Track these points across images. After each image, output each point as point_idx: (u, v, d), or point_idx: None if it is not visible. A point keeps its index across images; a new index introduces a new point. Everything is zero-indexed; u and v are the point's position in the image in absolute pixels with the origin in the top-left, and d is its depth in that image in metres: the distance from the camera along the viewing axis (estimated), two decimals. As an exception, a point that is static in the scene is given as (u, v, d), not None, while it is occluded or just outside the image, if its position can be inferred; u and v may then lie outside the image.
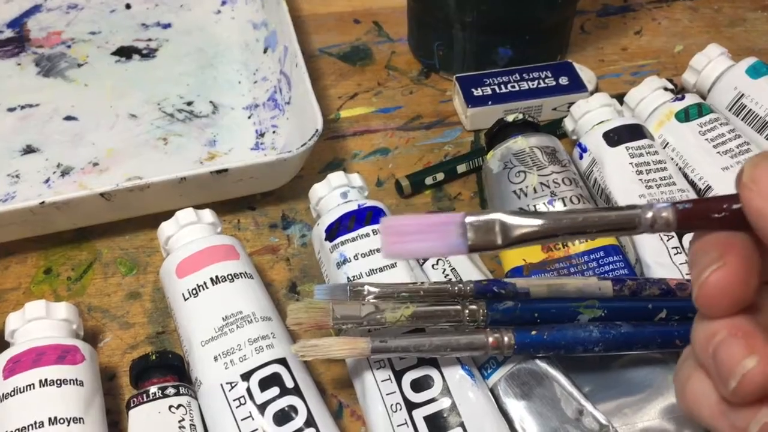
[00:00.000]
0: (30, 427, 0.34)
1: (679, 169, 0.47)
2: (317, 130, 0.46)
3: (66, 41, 0.61)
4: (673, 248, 0.42)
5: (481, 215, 0.29)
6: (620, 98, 0.51)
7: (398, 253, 0.30)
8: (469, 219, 0.29)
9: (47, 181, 0.50)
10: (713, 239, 0.26)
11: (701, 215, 0.27)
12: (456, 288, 0.38)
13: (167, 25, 0.63)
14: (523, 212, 0.30)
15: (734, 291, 0.25)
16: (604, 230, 0.28)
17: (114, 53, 0.60)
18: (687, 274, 0.41)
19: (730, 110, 0.50)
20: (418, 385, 0.37)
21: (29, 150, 0.52)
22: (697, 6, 0.65)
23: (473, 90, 0.54)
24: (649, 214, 0.27)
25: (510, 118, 0.47)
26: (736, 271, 0.25)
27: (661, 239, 0.42)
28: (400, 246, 0.30)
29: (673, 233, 0.42)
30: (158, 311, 0.44)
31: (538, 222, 0.29)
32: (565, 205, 0.43)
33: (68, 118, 0.55)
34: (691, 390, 0.27)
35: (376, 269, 0.40)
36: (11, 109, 0.55)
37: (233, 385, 0.36)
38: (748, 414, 0.25)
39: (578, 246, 0.42)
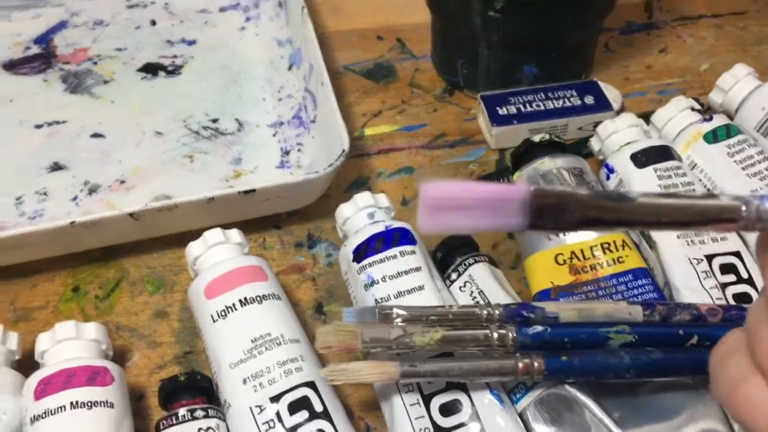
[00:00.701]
0: (61, 450, 0.34)
1: (708, 191, 0.46)
2: (344, 150, 0.46)
3: (92, 58, 0.62)
4: (702, 272, 0.41)
5: (552, 189, 0.25)
6: (646, 117, 0.51)
7: (439, 226, 0.25)
8: (535, 193, 0.24)
9: (75, 198, 0.51)
10: None
11: None
12: (485, 312, 0.38)
13: (192, 42, 0.63)
14: (600, 192, 0.26)
15: None
16: (701, 221, 0.24)
17: (140, 69, 0.61)
18: (718, 299, 0.40)
19: (758, 131, 0.49)
20: (447, 410, 0.36)
21: (56, 167, 0.53)
22: (722, 24, 0.65)
23: (498, 108, 0.54)
24: (754, 207, 0.24)
25: (536, 139, 0.47)
26: None
27: (691, 263, 0.42)
28: (443, 220, 0.25)
29: (704, 257, 0.42)
30: (185, 331, 0.44)
31: (620, 205, 0.24)
32: (593, 228, 0.43)
33: (95, 135, 0.55)
34: (746, 395, 0.24)
35: (404, 291, 0.40)
36: (38, 126, 0.56)
37: (262, 408, 0.36)
38: None
39: (606, 269, 0.42)
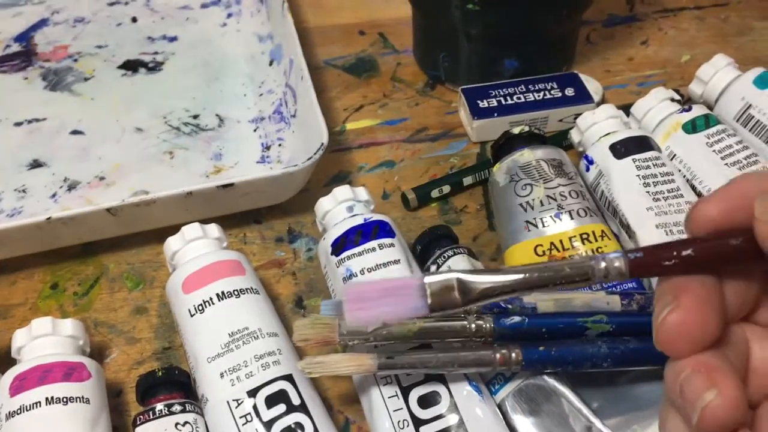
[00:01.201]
0: (36, 446, 0.34)
1: (687, 181, 0.46)
2: (323, 144, 0.46)
3: (73, 55, 0.61)
4: (681, 261, 0.41)
5: (439, 276, 0.31)
6: (627, 109, 0.51)
7: (362, 319, 0.31)
8: (427, 280, 0.30)
9: (54, 195, 0.50)
10: (670, 284, 0.27)
11: (653, 263, 0.27)
12: (463, 303, 0.38)
13: (173, 38, 0.63)
14: (479, 270, 0.32)
15: (691, 332, 0.25)
16: (560, 284, 0.29)
17: (120, 66, 0.60)
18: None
19: (737, 121, 0.49)
20: (426, 402, 0.36)
21: (36, 164, 0.53)
22: (704, 15, 0.65)
23: (479, 102, 0.54)
24: (603, 265, 0.28)
25: (516, 131, 0.47)
26: (690, 312, 0.25)
27: (669, 252, 0.42)
28: (364, 313, 0.31)
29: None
30: (164, 326, 0.44)
31: (495, 279, 0.30)
32: (572, 218, 0.43)
33: (75, 132, 0.55)
34: (669, 430, 0.27)
35: (382, 284, 0.40)
36: (18, 124, 0.56)
37: (239, 402, 0.36)
38: None
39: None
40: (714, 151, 0.46)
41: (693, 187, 0.46)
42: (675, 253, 0.26)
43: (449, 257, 0.43)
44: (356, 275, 0.40)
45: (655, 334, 0.26)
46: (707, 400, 0.24)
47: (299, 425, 0.35)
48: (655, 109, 0.49)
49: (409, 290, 0.31)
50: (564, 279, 0.28)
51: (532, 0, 0.52)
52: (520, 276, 0.29)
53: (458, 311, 0.37)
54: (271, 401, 0.36)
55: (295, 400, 0.36)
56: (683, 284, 0.26)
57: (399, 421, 0.36)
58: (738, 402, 0.24)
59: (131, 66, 0.60)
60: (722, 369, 0.25)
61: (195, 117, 0.56)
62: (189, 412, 0.37)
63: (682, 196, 0.44)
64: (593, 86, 0.56)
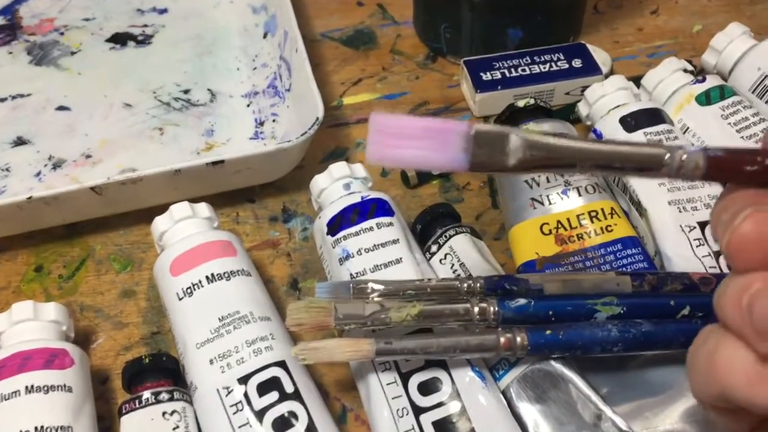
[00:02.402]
0: (15, 437, 0.32)
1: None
2: (318, 119, 0.44)
3: (59, 28, 0.59)
4: (695, 240, 0.39)
5: (490, 126, 0.26)
6: (637, 81, 0.49)
7: (386, 157, 0.26)
8: (476, 128, 0.25)
9: (38, 174, 0.48)
10: (743, 194, 0.24)
11: (733, 165, 0.24)
12: (465, 285, 0.36)
13: (163, 11, 0.60)
14: (540, 132, 0.26)
15: None
16: (627, 167, 0.25)
17: (108, 40, 0.58)
18: (711, 267, 0.38)
19: (753, 92, 0.47)
20: (426, 389, 0.34)
21: (20, 142, 0.50)
22: (716, -17, 0.62)
23: (482, 74, 0.51)
24: (678, 156, 0.25)
25: (521, 104, 0.45)
26: None
27: (683, 230, 0.40)
28: (390, 150, 0.25)
29: (696, 224, 0.40)
30: (153, 310, 0.42)
31: (557, 144, 0.25)
32: (580, 195, 0.41)
33: (61, 108, 0.53)
34: (721, 359, 0.24)
35: (380, 265, 0.38)
36: (2, 100, 0.53)
37: (230, 390, 0.34)
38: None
39: (594, 238, 0.40)
40: (729, 123, 0.44)
41: (707, 162, 0.44)
42: (759, 159, 0.24)
43: (451, 237, 0.41)
44: (353, 256, 0.38)
45: (727, 238, 0.23)
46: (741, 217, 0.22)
47: (293, 414, 0.33)
48: (667, 80, 0.47)
49: (451, 136, 0.25)
50: (634, 159, 0.25)
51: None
52: (587, 145, 0.25)
53: (463, 291, 0.35)
54: (263, 389, 0.34)
55: (289, 388, 0.34)
56: (761, 193, 0.24)
57: (398, 409, 0.34)
58: None
59: (120, 39, 0.58)
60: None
61: (186, 92, 0.54)
62: (177, 400, 0.35)
63: (695, 171, 0.42)
64: (601, 57, 0.54)
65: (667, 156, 0.25)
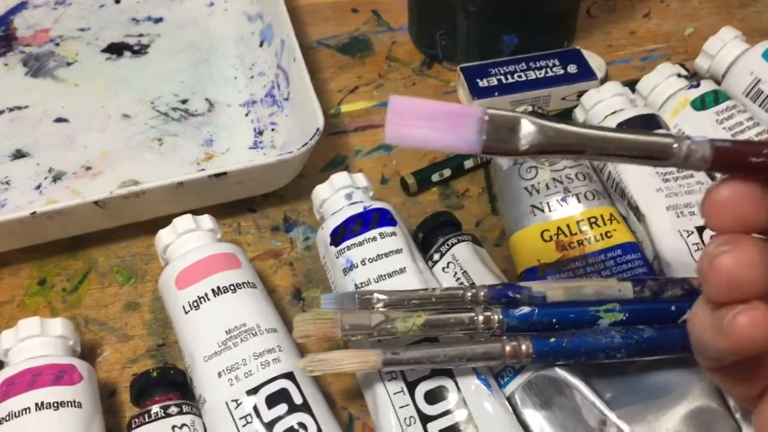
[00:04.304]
0: (26, 454, 0.32)
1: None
2: (318, 129, 0.44)
3: (54, 39, 0.59)
4: (693, 245, 0.40)
5: (504, 111, 0.27)
6: (632, 85, 0.49)
7: (403, 136, 0.27)
8: (490, 112, 0.26)
9: (38, 187, 0.48)
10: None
11: (739, 156, 0.25)
12: (469, 294, 0.36)
13: (159, 20, 0.60)
14: (552, 117, 0.27)
15: (739, 205, 0.25)
16: (636, 155, 0.26)
17: (104, 50, 0.58)
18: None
19: (746, 96, 0.48)
20: (433, 397, 0.35)
21: (19, 155, 0.50)
22: (707, -14, 0.63)
23: (478, 81, 0.52)
24: (686, 146, 0.25)
25: (519, 111, 0.45)
26: (747, 186, 0.25)
27: (681, 235, 0.40)
28: (407, 130, 0.27)
29: (694, 228, 0.40)
30: (158, 322, 0.42)
31: (566, 129, 0.26)
32: (579, 202, 0.41)
33: (59, 119, 0.53)
34: (694, 317, 0.27)
35: (384, 275, 0.38)
36: (-1, 112, 0.53)
37: (239, 402, 0.34)
38: (725, 311, 0.24)
39: (594, 244, 0.40)
40: (724, 128, 0.45)
41: (703, 166, 0.45)
42: (765, 151, 0.25)
43: (453, 245, 0.41)
44: (356, 266, 0.39)
45: (703, 200, 0.25)
46: (721, 250, 0.24)
47: (302, 425, 0.34)
48: (662, 85, 0.48)
49: (467, 119, 0.26)
50: (643, 147, 0.26)
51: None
52: (597, 132, 0.26)
53: (467, 300, 0.36)
54: (272, 401, 0.34)
55: (297, 399, 0.34)
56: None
57: (405, 418, 0.35)
58: (754, 260, 0.24)
59: (116, 49, 0.58)
60: (751, 238, 0.24)
61: (184, 102, 0.54)
62: (186, 413, 0.35)
63: (692, 176, 0.42)
64: (596, 62, 0.54)
65: (675, 145, 0.25)
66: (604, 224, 0.41)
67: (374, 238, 0.39)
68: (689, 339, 0.28)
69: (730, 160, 0.25)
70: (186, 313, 0.37)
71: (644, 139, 0.26)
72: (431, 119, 0.27)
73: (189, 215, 0.40)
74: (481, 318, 0.35)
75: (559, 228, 0.41)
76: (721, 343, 0.25)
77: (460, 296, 0.36)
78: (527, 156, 0.27)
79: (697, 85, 0.47)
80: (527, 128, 0.26)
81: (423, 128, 0.27)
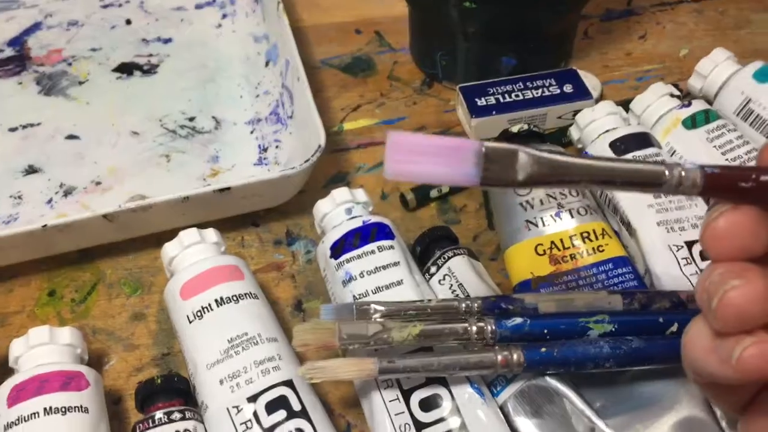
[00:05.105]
0: (35, 457, 0.33)
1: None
2: (320, 146, 0.45)
3: (67, 59, 0.61)
4: (682, 259, 0.41)
5: (500, 144, 0.27)
6: (626, 105, 0.51)
7: (402, 172, 0.27)
8: (487, 146, 0.27)
9: (50, 201, 0.50)
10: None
11: (729, 181, 0.26)
12: (463, 305, 0.37)
13: (168, 40, 0.62)
14: (546, 149, 0.28)
15: (739, 234, 0.25)
16: (629, 182, 0.27)
17: (115, 69, 0.60)
18: (698, 286, 0.40)
19: (737, 115, 0.49)
20: (427, 405, 0.36)
21: (31, 170, 0.52)
22: (702, 8, 0.65)
23: (477, 100, 0.53)
24: (677, 173, 0.26)
25: (515, 129, 0.47)
26: (745, 216, 0.25)
27: (671, 249, 0.41)
28: (406, 166, 0.27)
29: (684, 243, 0.41)
30: (163, 332, 0.43)
31: (562, 160, 0.27)
32: (572, 217, 0.43)
33: (70, 136, 0.55)
34: (690, 335, 0.27)
35: (382, 287, 0.39)
36: (13, 129, 0.55)
37: (239, 408, 0.35)
38: (732, 342, 0.25)
39: (586, 258, 0.41)
40: (714, 146, 0.46)
41: (694, 183, 0.46)
42: (754, 176, 0.25)
43: (449, 258, 0.42)
44: (355, 278, 0.40)
45: (702, 231, 0.26)
46: (731, 285, 0.24)
47: (300, 431, 0.35)
48: (655, 104, 0.49)
49: (464, 153, 0.27)
50: (635, 176, 0.27)
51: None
52: (591, 162, 0.27)
53: (461, 311, 0.37)
54: (272, 407, 0.35)
55: (296, 406, 0.36)
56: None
57: (400, 425, 0.36)
58: (763, 295, 0.24)
59: (126, 69, 0.60)
60: (756, 269, 0.25)
61: (191, 119, 0.56)
62: (189, 419, 0.36)
63: (682, 192, 0.43)
64: (592, 82, 0.56)
65: (667, 173, 0.26)
66: (597, 239, 0.42)
67: (373, 252, 0.41)
68: (680, 354, 0.29)
69: (721, 186, 0.26)
70: (190, 322, 0.38)
71: (636, 168, 0.27)
72: (429, 154, 0.27)
73: (194, 229, 0.42)
74: (474, 328, 0.36)
75: (552, 242, 0.42)
76: (728, 372, 0.25)
77: (455, 307, 0.38)
78: (525, 186, 0.28)
79: (689, 105, 0.48)
80: (524, 160, 0.27)
81: (421, 164, 0.27)
